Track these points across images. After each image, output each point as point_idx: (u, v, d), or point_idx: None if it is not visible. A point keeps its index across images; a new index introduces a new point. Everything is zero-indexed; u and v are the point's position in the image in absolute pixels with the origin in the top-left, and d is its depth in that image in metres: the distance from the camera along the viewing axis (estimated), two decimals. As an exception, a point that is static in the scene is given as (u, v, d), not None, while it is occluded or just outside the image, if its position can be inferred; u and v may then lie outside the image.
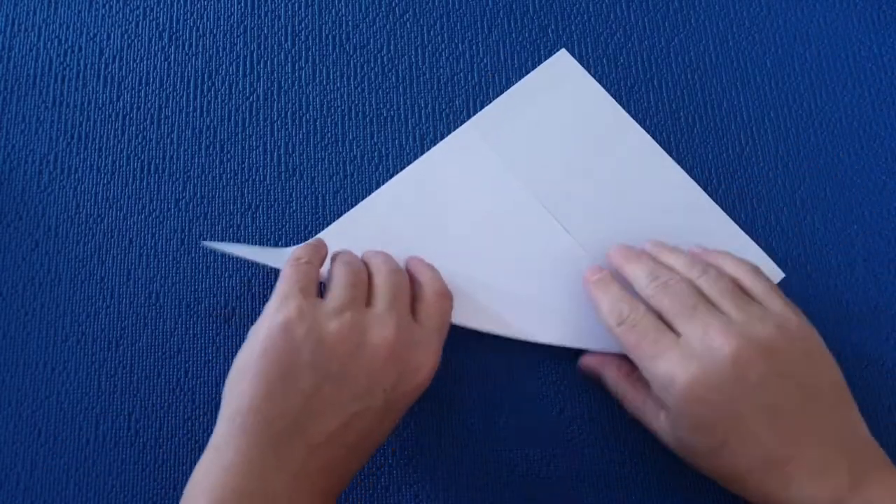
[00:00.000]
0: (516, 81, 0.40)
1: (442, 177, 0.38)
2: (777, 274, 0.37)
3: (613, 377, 0.33)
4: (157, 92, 0.40)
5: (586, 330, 0.35)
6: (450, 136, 0.39)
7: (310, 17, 0.41)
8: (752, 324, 0.29)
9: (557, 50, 0.41)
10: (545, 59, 0.41)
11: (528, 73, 0.41)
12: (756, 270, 0.32)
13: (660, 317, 0.31)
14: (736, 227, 0.38)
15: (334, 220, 0.38)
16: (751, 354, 0.28)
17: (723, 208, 0.39)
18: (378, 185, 0.38)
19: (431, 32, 0.41)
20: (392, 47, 0.41)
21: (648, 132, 0.40)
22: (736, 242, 0.37)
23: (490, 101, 0.40)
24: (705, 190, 0.39)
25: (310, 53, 0.41)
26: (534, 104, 0.39)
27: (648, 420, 0.31)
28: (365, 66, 0.41)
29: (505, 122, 0.39)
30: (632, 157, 0.39)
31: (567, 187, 0.38)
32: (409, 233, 0.37)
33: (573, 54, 0.41)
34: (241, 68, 0.40)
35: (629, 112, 0.40)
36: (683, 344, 0.29)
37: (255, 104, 0.40)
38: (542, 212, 0.37)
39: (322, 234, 0.37)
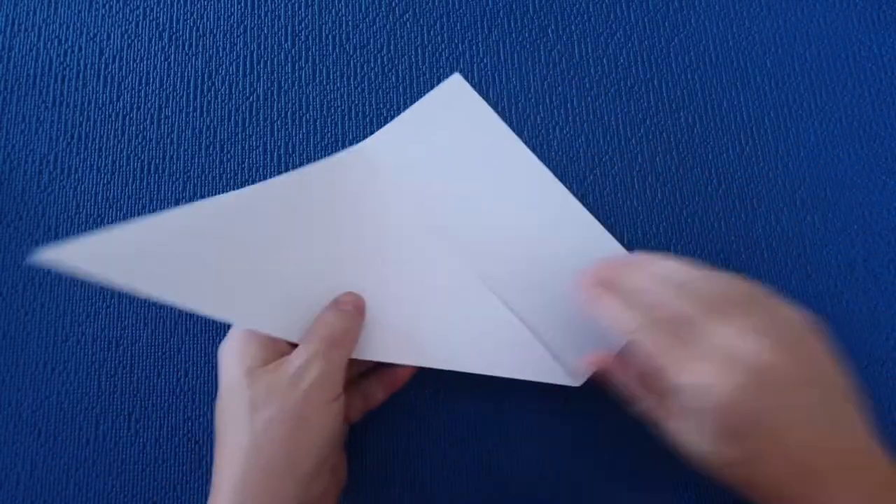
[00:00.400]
0: (516, 81, 0.40)
1: (319, 196, 0.35)
2: None
3: (624, 380, 0.32)
4: (157, 92, 0.40)
5: (482, 355, 0.34)
6: (332, 158, 0.36)
7: (310, 17, 0.41)
8: (781, 327, 0.28)
9: (557, 50, 0.41)
10: (545, 59, 0.41)
11: (528, 73, 0.41)
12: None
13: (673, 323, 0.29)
14: (617, 243, 0.38)
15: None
16: (787, 360, 0.27)
17: (722, 208, 0.39)
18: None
19: (431, 32, 0.41)
20: (392, 47, 0.41)
21: (648, 132, 0.40)
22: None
23: (490, 101, 0.40)
24: (704, 189, 0.39)
25: (310, 53, 0.41)
26: (424, 129, 0.39)
27: (667, 427, 0.30)
28: (365, 66, 0.41)
29: (394, 147, 0.38)
30: (520, 178, 0.39)
31: (458, 211, 0.37)
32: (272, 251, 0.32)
33: (573, 54, 0.41)
34: (241, 68, 0.40)
35: (629, 111, 0.40)
36: (716, 349, 0.27)
37: (255, 104, 0.40)
38: (431, 237, 0.36)
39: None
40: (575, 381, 0.34)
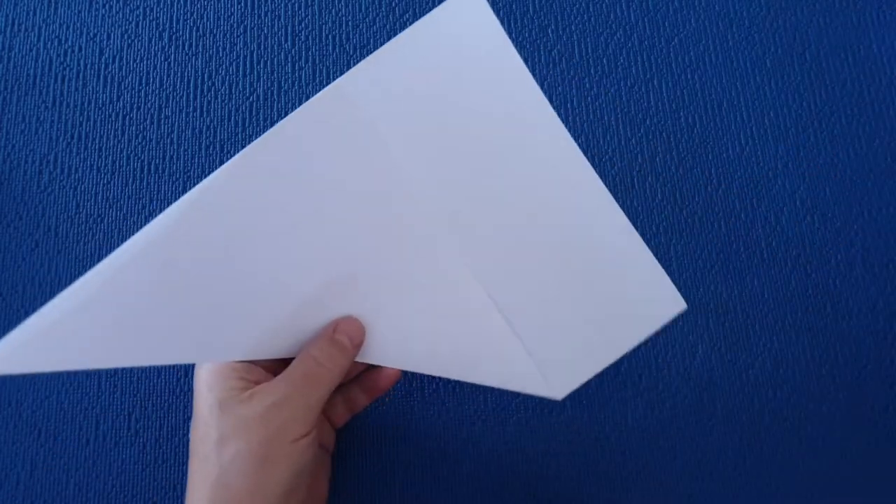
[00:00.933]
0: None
1: (292, 160, 0.29)
2: (680, 304, 0.31)
3: None
4: (157, 92, 0.40)
5: (466, 362, 0.30)
6: (307, 104, 0.29)
7: (310, 17, 0.41)
8: None
9: (557, 49, 0.41)
10: (545, 59, 0.41)
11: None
12: None
13: None
14: (627, 221, 0.31)
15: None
16: None
17: (722, 208, 0.39)
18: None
19: (431, 32, 0.41)
20: (392, 47, 0.41)
21: (648, 132, 0.40)
22: (641, 262, 0.31)
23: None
24: (704, 189, 0.39)
25: (310, 53, 0.41)
26: (420, 60, 0.30)
27: None
28: (365, 66, 0.41)
29: (381, 82, 0.29)
30: (539, 147, 0.31)
31: (452, 171, 0.30)
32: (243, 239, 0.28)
33: (573, 54, 0.41)
34: (241, 68, 0.40)
35: (629, 111, 0.40)
36: None
37: (255, 104, 0.40)
38: (422, 216, 0.30)
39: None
40: (557, 395, 0.31)
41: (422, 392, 0.36)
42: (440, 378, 0.36)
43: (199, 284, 0.27)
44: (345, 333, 0.29)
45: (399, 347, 0.31)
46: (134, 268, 0.26)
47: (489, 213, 0.31)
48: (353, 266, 0.30)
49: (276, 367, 0.30)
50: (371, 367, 0.33)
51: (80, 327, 0.25)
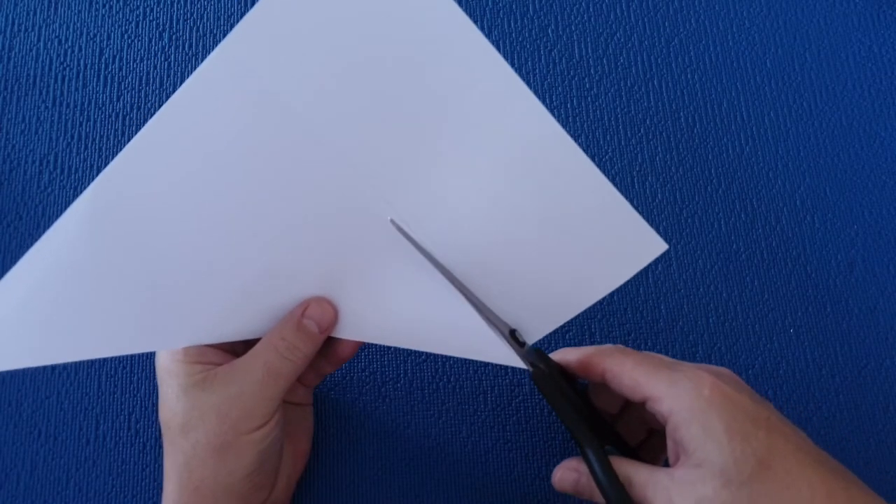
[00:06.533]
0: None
1: (195, 132, 0.26)
2: (660, 245, 0.29)
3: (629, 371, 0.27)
4: (157, 92, 0.40)
5: (422, 334, 0.29)
6: (189, 80, 0.26)
7: (310, 17, 0.41)
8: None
9: (557, 49, 0.41)
10: (545, 59, 0.41)
11: (528, 73, 0.40)
12: None
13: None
14: (616, 192, 0.28)
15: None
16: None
17: (722, 208, 0.39)
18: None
19: (431, 32, 0.41)
20: (392, 47, 0.41)
21: (648, 132, 0.40)
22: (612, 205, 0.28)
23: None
24: (704, 189, 0.39)
25: (310, 53, 0.41)
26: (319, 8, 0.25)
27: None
28: (365, 66, 0.41)
29: (274, 38, 0.25)
30: (477, 85, 0.27)
31: (373, 125, 0.27)
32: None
33: (573, 54, 0.41)
34: (241, 68, 0.40)
35: (629, 111, 0.40)
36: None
37: (255, 104, 0.40)
38: (335, 159, 0.27)
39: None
40: (527, 354, 0.29)
41: (422, 392, 0.36)
42: (440, 378, 0.36)
43: (125, 274, 0.26)
44: (313, 318, 0.28)
45: (356, 322, 0.29)
46: (59, 263, 0.26)
47: (438, 168, 0.28)
48: (291, 241, 0.28)
49: (237, 345, 0.29)
50: (330, 338, 0.31)
51: (13, 326, 0.25)
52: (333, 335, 0.29)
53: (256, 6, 0.25)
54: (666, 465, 0.26)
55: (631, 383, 0.27)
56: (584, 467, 0.28)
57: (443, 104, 0.27)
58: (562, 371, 0.30)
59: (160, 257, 0.27)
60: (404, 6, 0.26)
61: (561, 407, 0.28)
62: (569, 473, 0.29)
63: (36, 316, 0.25)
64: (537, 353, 0.30)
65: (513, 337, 0.29)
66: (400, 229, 0.28)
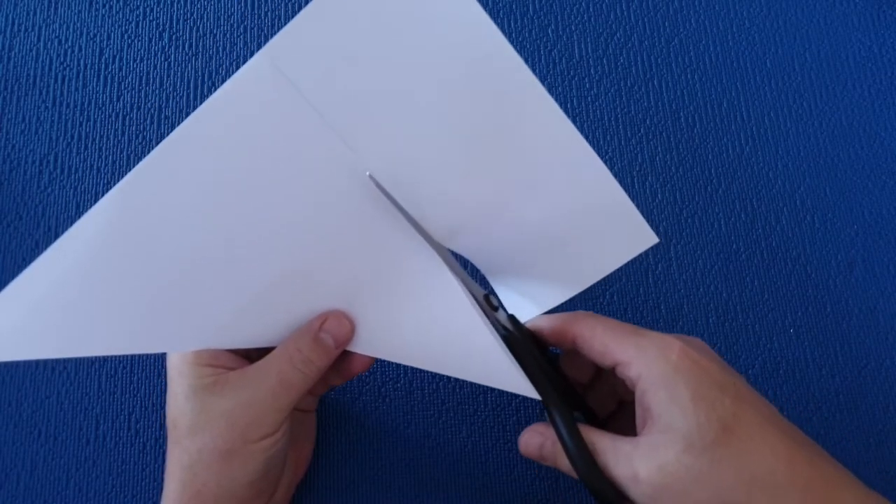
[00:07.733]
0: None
1: (224, 142, 0.26)
2: (651, 237, 0.29)
3: (600, 335, 0.27)
4: (157, 92, 0.40)
5: (437, 356, 0.28)
6: (235, 76, 0.26)
7: (310, 17, 0.41)
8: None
9: (557, 49, 0.41)
10: (545, 59, 0.41)
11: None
12: None
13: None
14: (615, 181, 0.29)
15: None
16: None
17: (723, 208, 0.39)
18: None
19: (431, 32, 0.41)
20: (392, 47, 0.41)
21: (648, 132, 0.40)
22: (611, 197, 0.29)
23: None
24: (704, 189, 0.39)
25: (310, 53, 0.41)
26: (368, 14, 0.26)
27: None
28: (365, 66, 0.41)
29: (316, 43, 0.26)
30: (511, 103, 0.29)
31: (413, 146, 0.27)
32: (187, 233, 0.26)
33: (573, 54, 0.41)
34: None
35: (629, 111, 0.40)
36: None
37: (255, 104, 0.40)
38: (373, 194, 0.27)
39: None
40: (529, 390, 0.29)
41: (422, 392, 0.36)
42: (440, 378, 0.36)
43: (144, 273, 0.26)
44: (330, 332, 0.28)
45: (372, 337, 0.29)
46: (78, 257, 0.25)
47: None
48: (312, 251, 0.28)
49: (251, 350, 0.29)
50: (344, 352, 0.31)
51: (34, 318, 0.25)
52: (348, 349, 0.29)
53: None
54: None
55: (601, 348, 0.27)
56: (550, 432, 0.27)
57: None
58: (534, 338, 0.30)
59: (178, 261, 0.27)
60: None
61: (532, 371, 0.28)
62: (535, 437, 0.29)
63: (55, 312, 0.26)
64: (511, 318, 0.30)
65: (486, 301, 0.29)
66: (377, 184, 0.27)
